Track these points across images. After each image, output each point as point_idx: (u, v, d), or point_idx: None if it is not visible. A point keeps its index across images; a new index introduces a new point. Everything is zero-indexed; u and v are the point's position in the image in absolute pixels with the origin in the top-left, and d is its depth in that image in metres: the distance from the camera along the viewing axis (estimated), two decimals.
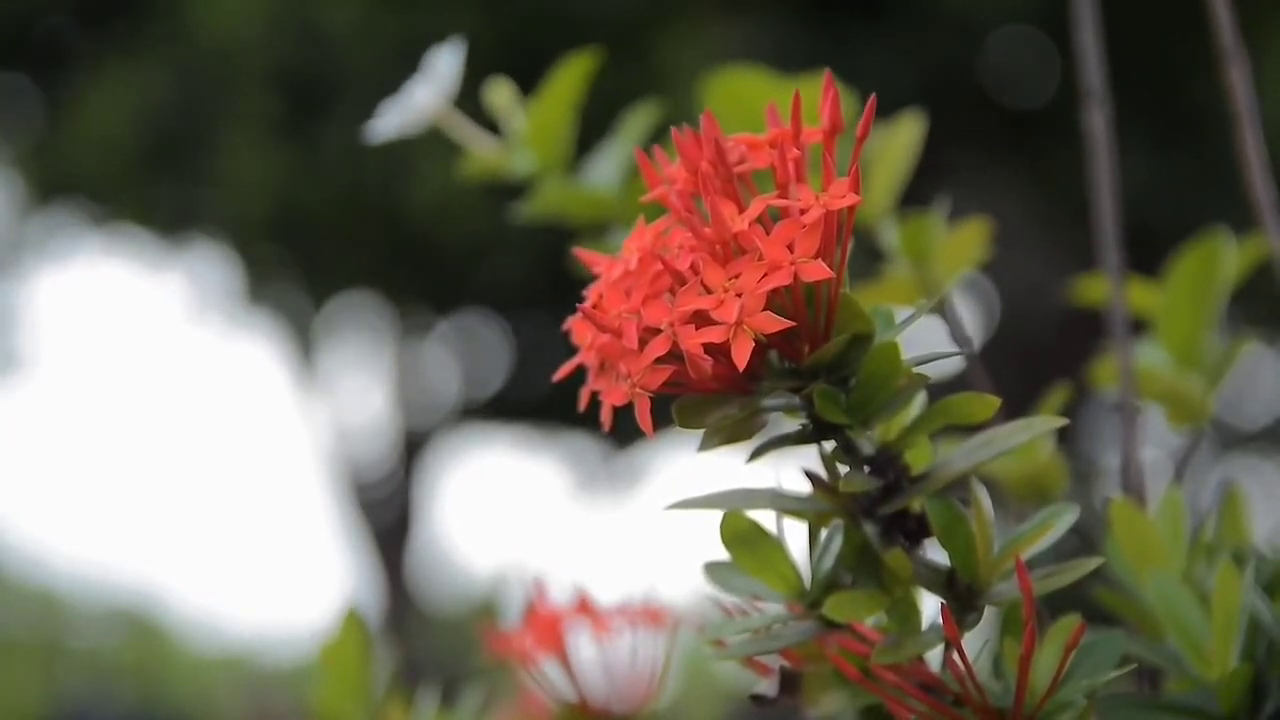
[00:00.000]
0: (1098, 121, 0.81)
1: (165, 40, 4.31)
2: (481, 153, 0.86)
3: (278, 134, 4.17)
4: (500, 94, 0.86)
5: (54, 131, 4.63)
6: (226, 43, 4.13)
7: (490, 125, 0.87)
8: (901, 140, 0.83)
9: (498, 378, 5.46)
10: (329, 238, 4.48)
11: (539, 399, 5.29)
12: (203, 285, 5.19)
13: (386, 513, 6.05)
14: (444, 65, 0.84)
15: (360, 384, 6.01)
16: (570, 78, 0.84)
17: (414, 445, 5.98)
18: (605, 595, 0.82)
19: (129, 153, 4.37)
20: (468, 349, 5.57)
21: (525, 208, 0.86)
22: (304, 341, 5.71)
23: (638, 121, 0.85)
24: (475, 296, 5.04)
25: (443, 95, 0.84)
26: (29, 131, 4.81)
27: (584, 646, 0.81)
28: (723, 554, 0.59)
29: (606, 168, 0.86)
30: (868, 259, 0.83)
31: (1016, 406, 0.62)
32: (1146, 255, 1.03)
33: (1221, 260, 0.81)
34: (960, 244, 0.83)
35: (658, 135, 0.75)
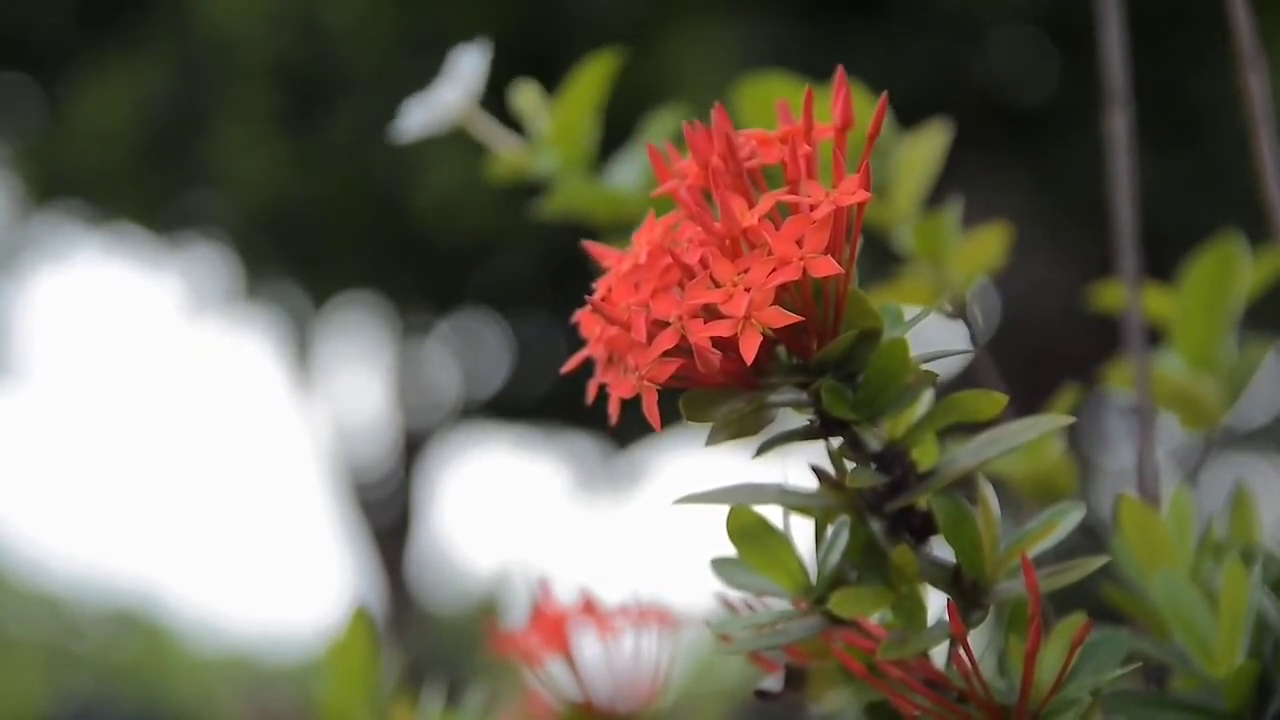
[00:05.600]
0: (1119, 124, 0.81)
1: (165, 35, 4.30)
2: (508, 153, 0.86)
3: (277, 129, 4.16)
4: (526, 96, 0.86)
5: (53, 129, 4.62)
6: (227, 37, 4.12)
7: (505, 125, 0.87)
8: (926, 149, 0.83)
9: (498, 378, 5.46)
10: (328, 235, 4.48)
11: (539, 399, 5.29)
12: (201, 284, 5.19)
13: (386, 513, 6.05)
14: (469, 65, 0.84)
15: (360, 383, 6.02)
16: (592, 78, 0.85)
17: (414, 445, 5.98)
18: (608, 595, 0.82)
19: (128, 148, 4.37)
20: (468, 349, 5.57)
21: (546, 206, 0.86)
22: (303, 340, 5.72)
23: (660, 125, 0.86)
24: (476, 296, 5.04)
25: (468, 95, 0.84)
26: (28, 129, 4.81)
27: (588, 646, 0.81)
28: (729, 549, 0.59)
29: (628, 169, 0.86)
30: (887, 262, 0.83)
31: (1019, 406, 0.62)
32: (1149, 257, 1.03)
33: (1238, 265, 0.80)
34: (978, 248, 0.82)
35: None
